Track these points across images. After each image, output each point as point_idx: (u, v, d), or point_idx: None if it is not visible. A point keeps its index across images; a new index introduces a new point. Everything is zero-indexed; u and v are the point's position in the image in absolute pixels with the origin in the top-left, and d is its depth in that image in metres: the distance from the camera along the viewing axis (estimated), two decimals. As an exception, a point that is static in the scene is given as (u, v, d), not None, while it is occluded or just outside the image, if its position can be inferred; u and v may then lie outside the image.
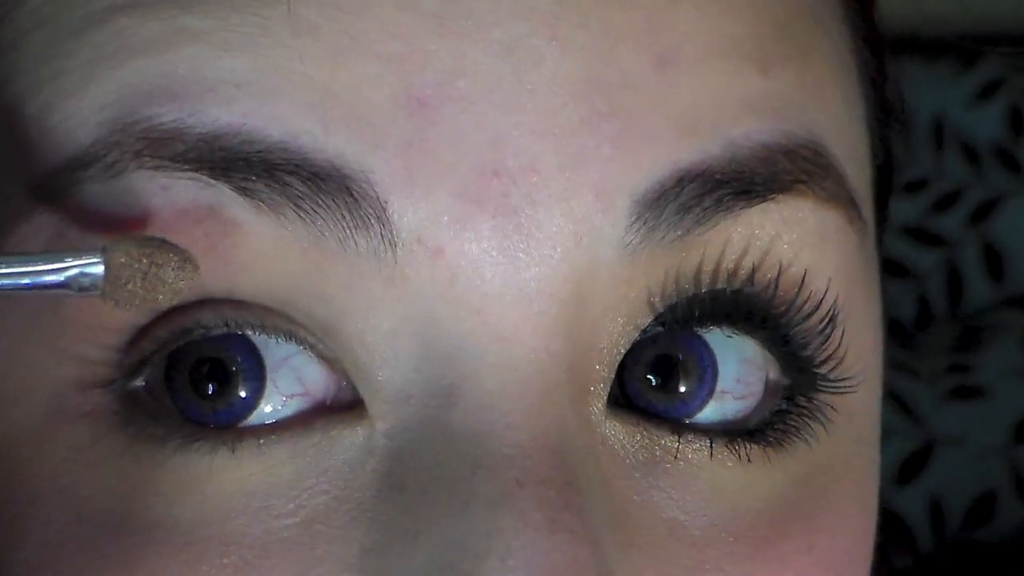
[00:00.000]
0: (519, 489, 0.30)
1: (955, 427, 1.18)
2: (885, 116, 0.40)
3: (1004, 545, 1.16)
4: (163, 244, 0.30)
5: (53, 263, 0.29)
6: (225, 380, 0.32)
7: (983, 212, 1.32)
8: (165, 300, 0.30)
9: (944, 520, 1.16)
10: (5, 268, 0.29)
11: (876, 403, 0.38)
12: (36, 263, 0.29)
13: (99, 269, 0.29)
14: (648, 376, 0.34)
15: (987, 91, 1.34)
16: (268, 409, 0.32)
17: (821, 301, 0.34)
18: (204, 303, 0.31)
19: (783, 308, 0.34)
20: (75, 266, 0.29)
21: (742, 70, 0.32)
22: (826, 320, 0.34)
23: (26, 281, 0.29)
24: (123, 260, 0.30)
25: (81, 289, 0.30)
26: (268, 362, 0.32)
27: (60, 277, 0.29)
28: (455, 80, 0.30)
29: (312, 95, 0.30)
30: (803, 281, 0.34)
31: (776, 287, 0.34)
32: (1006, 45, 1.30)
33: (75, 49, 0.31)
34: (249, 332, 0.32)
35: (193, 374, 0.32)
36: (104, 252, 0.30)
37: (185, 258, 0.30)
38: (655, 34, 0.32)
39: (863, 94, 0.38)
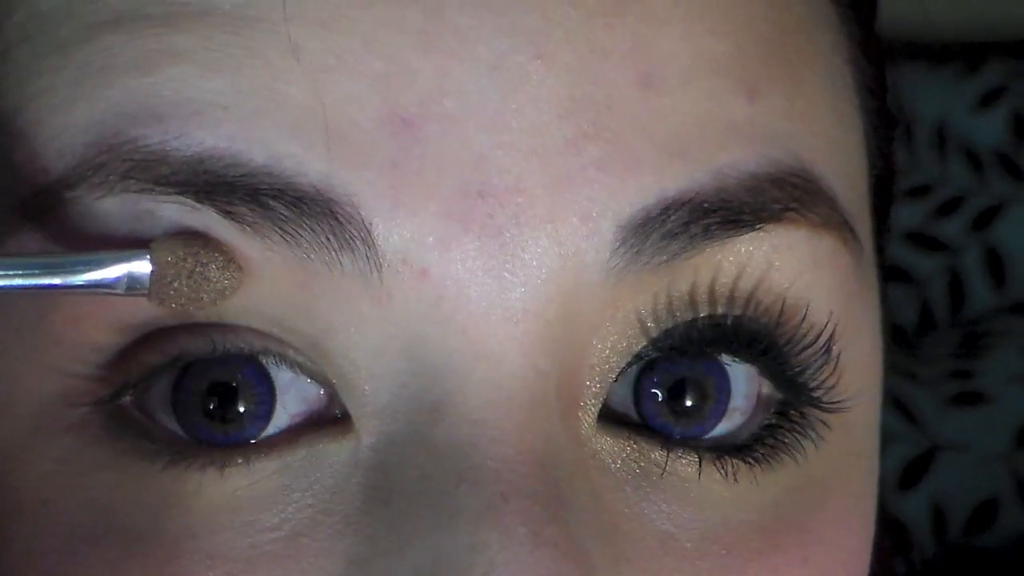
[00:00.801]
0: (503, 503, 0.30)
1: (957, 433, 1.18)
2: (884, 124, 0.40)
3: (1006, 551, 1.16)
4: (208, 243, 0.30)
5: (102, 263, 0.30)
6: (235, 402, 0.32)
7: (985, 218, 1.32)
8: (209, 299, 0.30)
9: (946, 526, 1.16)
10: (54, 269, 0.30)
11: (874, 415, 0.38)
12: (85, 263, 0.30)
13: (146, 268, 0.30)
14: (657, 395, 0.34)
15: (990, 97, 1.34)
16: (274, 429, 0.32)
17: (822, 330, 0.34)
18: (190, 327, 0.32)
19: (786, 338, 0.34)
20: (123, 265, 0.30)
21: (728, 94, 0.32)
22: (823, 348, 0.34)
23: (79, 281, 0.30)
24: (169, 259, 0.30)
25: (129, 289, 0.30)
26: (278, 384, 0.32)
27: (109, 276, 0.30)
28: (440, 99, 0.30)
29: (296, 117, 0.30)
30: (807, 311, 0.34)
31: (780, 316, 0.34)
32: (1009, 52, 1.30)
33: (61, 66, 0.31)
34: (236, 352, 0.32)
35: (202, 397, 0.32)
36: (151, 251, 0.30)
37: (229, 258, 0.30)
38: (640, 53, 0.31)
39: (859, 105, 0.37)
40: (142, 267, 0.30)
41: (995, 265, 1.31)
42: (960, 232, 1.31)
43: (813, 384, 0.35)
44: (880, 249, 0.39)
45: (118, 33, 0.31)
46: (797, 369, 0.34)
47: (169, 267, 0.30)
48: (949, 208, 1.32)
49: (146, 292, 0.30)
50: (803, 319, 0.34)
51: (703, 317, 0.33)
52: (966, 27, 1.34)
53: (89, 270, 0.30)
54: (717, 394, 0.34)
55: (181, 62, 0.31)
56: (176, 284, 0.30)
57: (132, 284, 0.30)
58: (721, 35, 0.32)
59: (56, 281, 0.30)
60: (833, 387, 0.35)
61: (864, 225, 0.37)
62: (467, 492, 0.30)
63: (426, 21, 0.30)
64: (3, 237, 0.32)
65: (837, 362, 0.35)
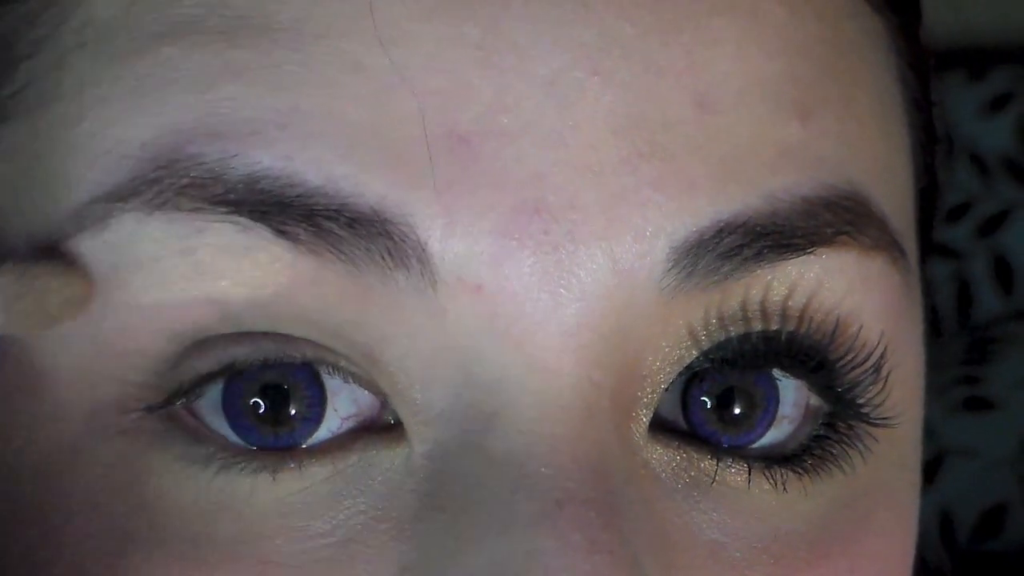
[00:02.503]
0: (559, 510, 0.30)
1: (965, 439, 1.18)
2: (929, 139, 0.40)
3: (1014, 556, 1.16)
4: (52, 266, 0.30)
5: None
6: (286, 405, 0.32)
7: (993, 224, 1.32)
8: (57, 313, 0.30)
9: (954, 531, 1.16)
10: None
11: (918, 429, 0.38)
12: None
13: None
14: (705, 402, 0.34)
15: (997, 103, 1.35)
16: (325, 432, 0.32)
17: (874, 350, 0.34)
18: (242, 336, 0.32)
19: (838, 355, 0.34)
20: None
21: (781, 117, 0.32)
22: (873, 367, 0.34)
23: None
24: (13, 283, 0.30)
25: None
26: (329, 387, 0.32)
27: None
28: (497, 115, 0.30)
29: (354, 136, 0.30)
30: (860, 329, 0.34)
31: (834, 333, 0.34)
32: (1016, 58, 1.31)
33: (119, 77, 0.31)
34: (288, 361, 0.32)
35: (253, 399, 0.32)
36: None
37: (72, 272, 0.30)
38: (695, 73, 0.32)
39: (907, 122, 0.37)
40: None
41: (1003, 271, 1.31)
42: (967, 238, 1.32)
43: (861, 401, 0.35)
44: (923, 261, 0.39)
45: (177, 46, 0.31)
46: (847, 386, 0.34)
47: (12, 289, 0.30)
48: (956, 214, 1.32)
49: None
50: (856, 337, 0.34)
51: (757, 332, 0.33)
52: (972, 33, 1.35)
53: None
54: (766, 403, 0.34)
55: (239, 79, 0.30)
56: (20, 305, 0.30)
57: None
58: (774, 56, 0.32)
59: None
60: (881, 404, 0.35)
61: (911, 242, 0.37)
62: (523, 499, 0.30)
63: (484, 36, 0.31)
64: (51, 246, 0.31)
65: (886, 381, 0.35)
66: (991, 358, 1.24)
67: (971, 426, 1.19)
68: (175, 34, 0.31)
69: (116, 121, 0.31)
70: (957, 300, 1.32)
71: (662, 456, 0.33)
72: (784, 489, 0.34)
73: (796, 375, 0.34)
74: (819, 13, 0.34)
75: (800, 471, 0.34)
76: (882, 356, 0.35)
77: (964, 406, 1.20)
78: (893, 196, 0.35)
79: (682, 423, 0.34)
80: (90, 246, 0.31)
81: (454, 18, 0.31)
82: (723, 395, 0.34)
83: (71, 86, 0.32)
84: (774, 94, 0.32)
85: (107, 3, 0.32)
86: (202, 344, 0.31)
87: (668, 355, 0.33)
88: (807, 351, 0.34)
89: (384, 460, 0.32)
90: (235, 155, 0.30)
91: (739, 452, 0.34)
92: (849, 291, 0.34)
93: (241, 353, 0.32)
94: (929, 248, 0.41)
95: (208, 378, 0.32)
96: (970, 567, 1.15)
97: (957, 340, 1.29)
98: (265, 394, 0.32)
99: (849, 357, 0.34)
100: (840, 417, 0.35)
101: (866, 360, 0.34)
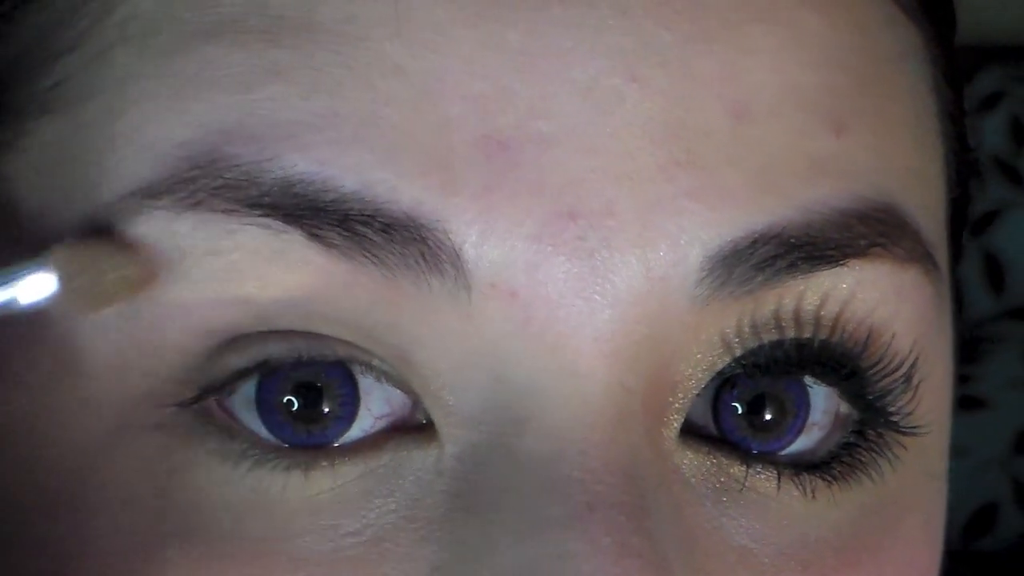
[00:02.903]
0: (589, 513, 0.30)
1: (956, 438, 1.17)
2: (962, 148, 0.40)
3: (1005, 555, 1.17)
4: (110, 245, 0.30)
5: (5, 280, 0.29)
6: (319, 403, 0.32)
7: (984, 223, 1.32)
8: (116, 291, 0.30)
9: (945, 530, 1.16)
10: None
11: (946, 437, 0.38)
12: None
13: (49, 276, 0.29)
14: (736, 408, 0.34)
15: (988, 102, 1.35)
16: (358, 431, 0.32)
17: (906, 359, 0.34)
18: (275, 334, 0.31)
19: (870, 363, 0.34)
20: (25, 274, 0.29)
21: (816, 128, 0.32)
22: (904, 376, 0.35)
23: None
24: (70, 259, 0.30)
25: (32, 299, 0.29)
26: (362, 386, 0.32)
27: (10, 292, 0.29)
28: (535, 120, 0.30)
29: (392, 141, 0.30)
30: (892, 338, 0.34)
31: (867, 341, 0.34)
32: (1007, 57, 1.31)
33: (160, 74, 0.31)
34: (321, 359, 0.32)
35: (287, 397, 0.32)
36: (51, 256, 0.30)
37: (130, 259, 0.30)
38: (732, 82, 0.31)
39: (941, 131, 0.37)
40: (45, 276, 0.29)
41: (994, 270, 1.31)
42: (959, 237, 1.32)
43: (892, 409, 0.35)
44: (952, 269, 0.39)
45: (218, 44, 0.31)
46: (878, 394, 0.35)
47: (71, 267, 0.30)
48: (947, 213, 1.32)
49: (55, 297, 0.29)
50: (889, 346, 0.34)
51: (790, 339, 0.33)
52: (964, 32, 1.35)
53: None
54: (796, 409, 0.34)
55: (280, 80, 0.30)
56: (77, 282, 0.30)
57: (34, 296, 0.29)
58: (811, 67, 0.33)
59: None
60: (911, 413, 0.35)
61: (943, 252, 0.37)
62: (553, 502, 0.30)
63: (525, 41, 0.30)
64: (80, 238, 0.31)
65: (916, 390, 0.35)
66: (982, 357, 1.25)
67: (962, 425, 1.19)
68: (217, 32, 0.31)
69: (156, 119, 0.31)
70: (948, 299, 1.32)
71: (692, 461, 0.33)
72: (813, 496, 0.34)
73: (828, 382, 0.34)
74: (856, 23, 0.34)
75: (829, 478, 0.34)
76: (913, 365, 0.35)
77: (955, 405, 1.20)
78: (926, 208, 0.35)
79: (712, 428, 0.34)
80: (118, 240, 0.31)
81: (495, 23, 0.30)
82: (754, 401, 0.34)
83: (112, 80, 0.32)
84: (810, 105, 0.32)
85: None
86: (235, 341, 0.31)
87: (700, 362, 0.33)
88: (839, 358, 0.34)
89: (415, 460, 0.32)
90: (271, 158, 0.30)
91: (768, 458, 0.34)
92: (882, 301, 0.34)
93: (275, 350, 0.32)
94: (959, 256, 0.41)
95: (241, 374, 0.32)
96: (961, 566, 1.16)
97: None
98: (298, 392, 0.32)
99: (881, 365, 0.34)
100: (870, 425, 0.35)
101: (898, 369, 0.34)
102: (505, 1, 0.31)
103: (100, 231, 0.31)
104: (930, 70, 0.37)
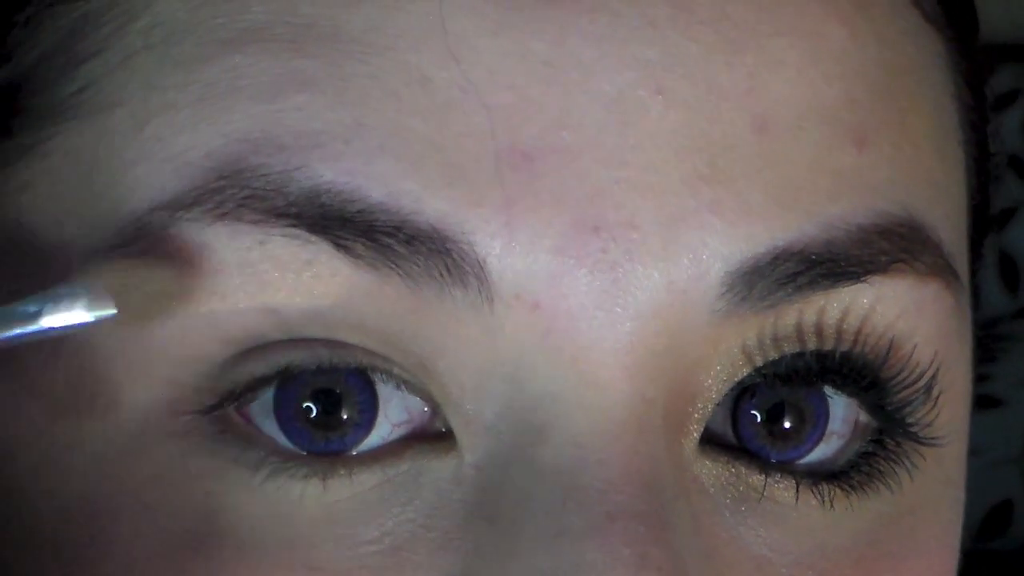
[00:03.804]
0: (609, 523, 0.30)
1: (971, 436, 1.18)
2: (983, 156, 0.40)
3: (1020, 554, 1.16)
4: (155, 258, 0.30)
5: (61, 301, 0.29)
6: (338, 410, 0.32)
7: (999, 222, 1.32)
8: (160, 311, 0.31)
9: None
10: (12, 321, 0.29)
11: (963, 445, 0.38)
12: (41, 306, 0.29)
13: (97, 295, 0.30)
14: (755, 416, 0.34)
15: (1002, 101, 1.35)
16: (376, 438, 0.32)
17: (926, 370, 0.34)
18: (297, 342, 0.32)
19: (890, 374, 0.34)
20: (80, 297, 0.29)
21: (838, 143, 0.32)
22: (925, 387, 0.35)
23: (46, 325, 0.29)
24: (117, 276, 0.30)
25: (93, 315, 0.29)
26: (381, 394, 0.32)
27: (75, 315, 0.29)
28: (560, 132, 0.30)
29: (417, 152, 0.30)
30: (914, 350, 0.34)
31: (888, 352, 0.34)
32: (1021, 55, 1.30)
33: (185, 83, 0.31)
34: (343, 367, 0.32)
35: (306, 404, 0.32)
36: (96, 275, 0.30)
37: (174, 272, 0.30)
38: (756, 95, 0.32)
39: (963, 140, 0.37)
40: (97, 294, 0.30)
41: (1009, 269, 1.31)
42: (973, 236, 1.32)
43: (911, 420, 0.35)
44: (972, 275, 0.39)
45: (244, 53, 0.31)
46: (898, 406, 0.35)
47: (114, 284, 0.30)
48: (962, 212, 1.32)
49: (111, 313, 0.30)
50: (910, 357, 0.34)
51: (811, 350, 0.33)
52: (980, 30, 1.34)
53: (53, 311, 0.29)
54: (816, 419, 0.34)
55: (306, 89, 0.30)
56: (123, 297, 0.30)
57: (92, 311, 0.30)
58: (834, 80, 0.33)
59: (23, 329, 0.29)
60: (930, 424, 0.35)
61: (963, 261, 0.37)
62: (572, 512, 0.30)
63: (550, 52, 0.31)
64: (111, 251, 0.32)
65: (936, 402, 0.35)
66: (997, 356, 1.24)
67: (977, 424, 1.18)
68: (243, 40, 0.31)
69: (181, 129, 0.31)
70: (962, 298, 1.31)
71: (711, 471, 0.33)
72: (831, 506, 0.34)
73: (848, 393, 0.34)
74: (879, 35, 0.34)
75: (847, 488, 0.34)
76: (934, 377, 0.35)
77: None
78: (948, 219, 0.35)
79: (731, 436, 0.34)
80: (147, 252, 0.31)
81: (520, 34, 0.31)
82: (773, 409, 0.34)
83: (136, 88, 0.32)
84: (832, 119, 0.32)
85: (175, 5, 0.32)
86: (256, 349, 0.32)
87: (720, 373, 0.33)
88: (860, 370, 0.34)
89: (434, 469, 0.32)
90: (298, 168, 0.30)
91: (787, 468, 0.34)
92: (902, 315, 0.34)
93: (296, 358, 0.32)
94: (979, 261, 0.41)
95: (261, 382, 0.32)
96: (976, 565, 1.16)
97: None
98: (317, 399, 0.32)
99: (902, 377, 0.34)
100: (889, 434, 0.35)
101: (918, 380, 0.34)
102: (530, 12, 0.31)
103: (129, 243, 0.31)
104: (952, 77, 0.37)
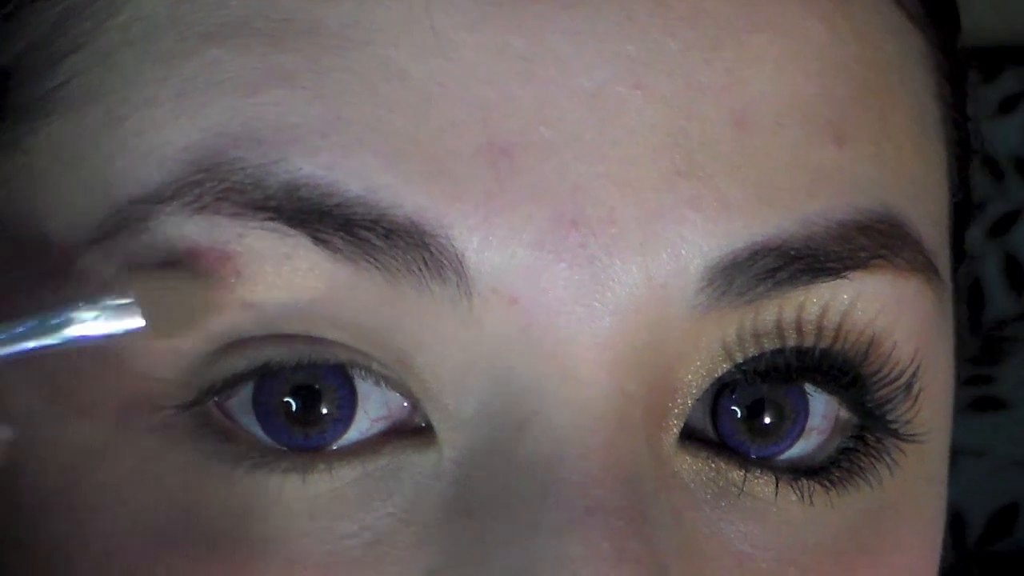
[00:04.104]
0: (588, 518, 0.30)
1: (976, 438, 1.18)
2: (965, 153, 0.40)
3: (1025, 556, 1.16)
4: (186, 272, 0.31)
5: (90, 310, 0.30)
6: (317, 405, 0.32)
7: (1005, 224, 1.32)
8: (194, 322, 0.31)
9: (965, 531, 1.16)
10: (41, 331, 0.29)
11: (946, 443, 0.38)
12: (72, 315, 0.30)
13: (132, 308, 0.30)
14: (735, 412, 0.34)
15: (1008, 103, 1.35)
16: (355, 433, 0.32)
17: (907, 367, 0.34)
18: (276, 337, 0.32)
19: (871, 371, 0.34)
20: (110, 309, 0.30)
21: (817, 139, 0.32)
22: (905, 384, 0.35)
23: (72, 335, 0.30)
24: (152, 288, 0.30)
25: (122, 329, 0.30)
26: (360, 389, 0.32)
27: (102, 323, 0.30)
28: (539, 127, 0.30)
29: (395, 146, 0.30)
30: (894, 347, 0.34)
31: (868, 349, 0.34)
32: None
33: (165, 77, 0.31)
34: (322, 363, 0.32)
35: (285, 399, 0.32)
36: (132, 286, 0.30)
37: (206, 284, 0.31)
38: (735, 91, 0.32)
39: (944, 138, 0.37)
40: (128, 307, 0.30)
41: (1015, 271, 1.31)
42: (979, 238, 1.32)
43: (891, 417, 0.35)
44: (955, 272, 0.39)
45: (224, 48, 0.31)
46: (878, 403, 0.35)
47: (149, 297, 0.30)
48: (968, 214, 1.32)
49: (141, 328, 0.30)
50: (890, 355, 0.34)
51: (791, 347, 0.33)
52: (983, 33, 1.35)
53: (79, 321, 0.30)
54: (795, 415, 0.34)
55: (285, 84, 0.31)
56: (158, 311, 0.30)
57: (121, 327, 0.30)
58: (813, 77, 0.33)
59: (50, 341, 0.30)
60: (911, 421, 0.35)
61: (945, 258, 0.37)
62: (551, 506, 0.30)
63: (529, 48, 0.31)
64: (92, 242, 0.32)
65: (917, 398, 0.35)
66: (1002, 358, 1.24)
67: (982, 426, 1.19)
68: (222, 35, 0.31)
69: (161, 123, 0.31)
70: (968, 300, 1.31)
71: (692, 466, 0.33)
72: (811, 501, 0.34)
73: (829, 391, 0.34)
74: (859, 32, 0.34)
75: (827, 484, 0.34)
76: (914, 375, 0.35)
77: (975, 406, 1.20)
78: (928, 215, 0.35)
79: (711, 432, 0.34)
80: (129, 247, 0.31)
81: (498, 29, 0.31)
82: (753, 405, 0.34)
83: (117, 83, 0.32)
84: (811, 116, 0.32)
85: (155, 0, 0.32)
86: (236, 345, 0.32)
87: (700, 368, 0.33)
88: (841, 367, 0.34)
89: (414, 463, 0.32)
90: (276, 161, 0.30)
91: (767, 463, 0.34)
92: (883, 312, 0.34)
93: (275, 354, 0.32)
94: (961, 259, 0.41)
95: (241, 378, 0.32)
96: (981, 567, 1.15)
97: (969, 340, 1.29)
98: (296, 394, 0.32)
99: (882, 374, 0.34)
100: (869, 431, 0.35)
101: (899, 378, 0.34)
102: (509, 7, 0.31)
103: (110, 236, 0.32)
104: (934, 76, 0.37)
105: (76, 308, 0.30)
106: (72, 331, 0.29)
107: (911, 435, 0.35)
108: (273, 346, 0.32)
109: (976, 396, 1.21)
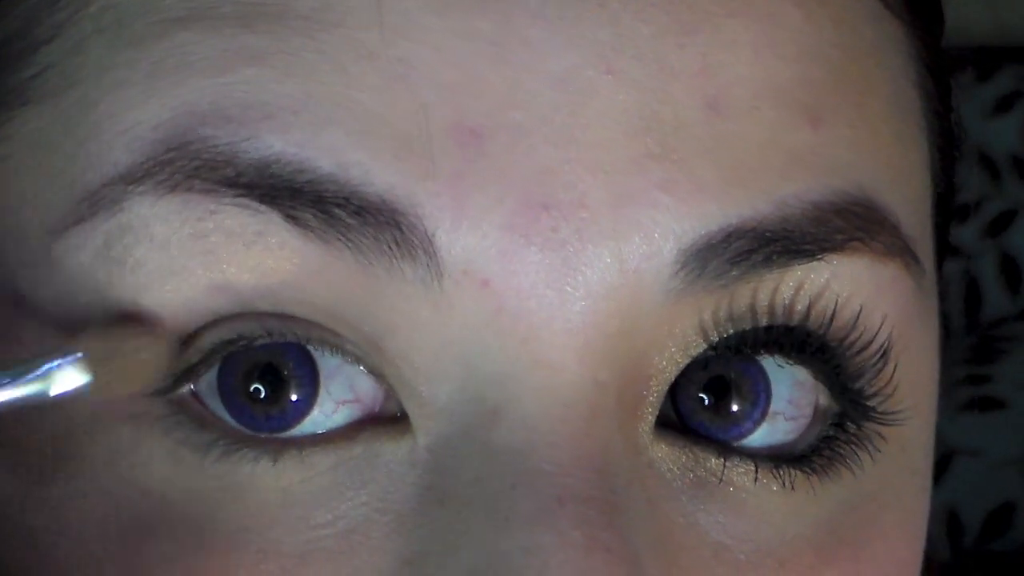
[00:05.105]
0: (559, 507, 0.30)
1: (972, 438, 1.18)
2: (947, 144, 0.39)
3: (1021, 555, 1.16)
4: (133, 329, 0.31)
5: (34, 371, 0.30)
6: (279, 386, 0.32)
7: (1001, 223, 1.32)
8: (145, 382, 0.31)
9: (961, 531, 1.16)
10: None
11: (930, 434, 0.38)
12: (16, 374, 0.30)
13: (80, 365, 0.30)
14: (701, 396, 0.34)
15: (1004, 102, 1.35)
16: (320, 415, 0.32)
17: (875, 337, 0.34)
18: (248, 315, 0.32)
19: (837, 341, 0.34)
20: (56, 365, 0.30)
21: (793, 122, 0.32)
22: (879, 355, 0.34)
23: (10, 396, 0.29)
24: (100, 347, 0.30)
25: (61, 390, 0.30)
26: (322, 369, 0.32)
27: (44, 383, 0.30)
28: (508, 110, 0.30)
29: (366, 125, 0.30)
30: (858, 317, 0.34)
31: (831, 321, 0.33)
32: (1022, 58, 1.30)
33: (136, 60, 0.31)
34: (293, 341, 0.32)
35: (247, 379, 0.32)
36: (81, 343, 0.30)
37: (152, 335, 0.31)
38: (708, 75, 0.32)
39: (925, 127, 0.37)
40: (76, 364, 0.30)
41: (1010, 270, 1.31)
42: (975, 237, 1.32)
43: (869, 391, 0.35)
44: (939, 265, 0.39)
45: (193, 30, 0.31)
46: (853, 373, 0.34)
47: (99, 354, 0.30)
48: (964, 213, 1.32)
49: (85, 388, 0.30)
50: (857, 322, 0.34)
51: (763, 327, 0.33)
52: (980, 32, 1.35)
53: (21, 383, 0.29)
54: (755, 395, 0.34)
55: (255, 64, 0.31)
56: (105, 369, 0.30)
57: (66, 386, 0.30)
58: (789, 61, 0.33)
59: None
60: (890, 396, 0.35)
61: (926, 247, 0.37)
62: (522, 495, 0.30)
63: (497, 31, 0.31)
64: (68, 225, 0.32)
65: (894, 372, 0.35)
66: (999, 357, 1.24)
67: (978, 425, 1.19)
68: (191, 19, 0.31)
69: (131, 104, 0.31)
70: (965, 299, 1.31)
71: (668, 454, 0.33)
72: (791, 488, 0.34)
73: (798, 361, 0.34)
74: (836, 17, 0.34)
75: (808, 471, 0.34)
76: (887, 343, 0.34)
77: (971, 405, 1.20)
78: (907, 202, 0.35)
79: (672, 415, 0.34)
80: (104, 229, 0.31)
81: (466, 12, 0.31)
82: (711, 385, 0.34)
83: (89, 71, 0.32)
84: (787, 99, 0.32)
85: None
86: (207, 325, 0.32)
87: (675, 354, 0.33)
88: (807, 335, 0.34)
89: (388, 452, 0.32)
90: (247, 138, 0.30)
91: (746, 451, 0.34)
92: (858, 293, 0.34)
93: (243, 328, 0.32)
94: (945, 253, 0.41)
95: (210, 354, 0.32)
96: (977, 566, 1.15)
97: (965, 339, 1.29)
98: (260, 377, 0.32)
99: (851, 339, 0.34)
100: (849, 417, 0.35)
101: (869, 343, 0.34)
102: None
103: (83, 219, 0.32)
104: (914, 65, 0.37)
105: (23, 370, 0.30)
106: (14, 393, 0.29)
107: (889, 413, 0.35)
108: (242, 322, 0.32)
109: (973, 396, 1.21)
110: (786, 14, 0.33)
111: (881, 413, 0.35)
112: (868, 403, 0.35)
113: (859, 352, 0.34)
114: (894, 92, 0.36)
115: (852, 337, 0.34)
